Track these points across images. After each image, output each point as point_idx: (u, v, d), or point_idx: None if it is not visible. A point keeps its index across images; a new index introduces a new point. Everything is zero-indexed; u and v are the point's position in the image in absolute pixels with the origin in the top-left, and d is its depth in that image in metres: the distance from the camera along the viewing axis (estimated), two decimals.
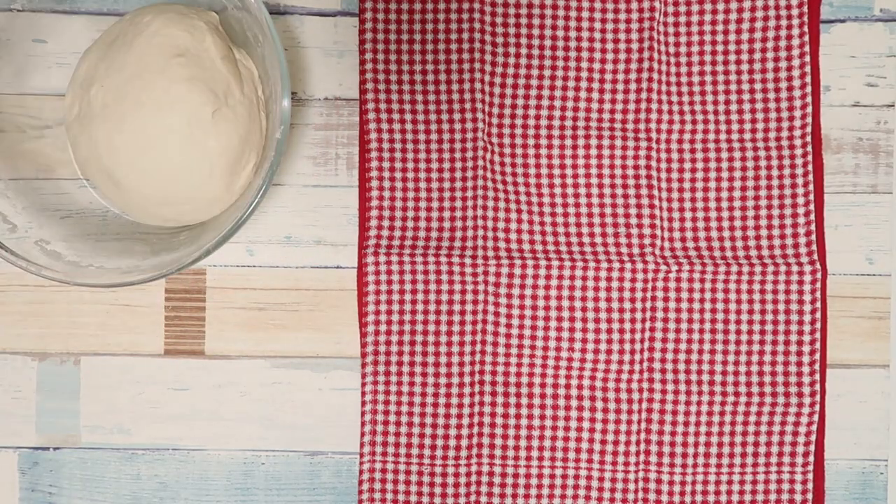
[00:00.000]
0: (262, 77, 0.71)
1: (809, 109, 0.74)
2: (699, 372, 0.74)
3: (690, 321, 0.74)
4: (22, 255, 0.67)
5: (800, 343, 0.74)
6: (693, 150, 0.75)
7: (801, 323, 0.74)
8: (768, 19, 0.74)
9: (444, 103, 0.74)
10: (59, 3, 0.73)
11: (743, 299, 0.74)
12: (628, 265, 0.74)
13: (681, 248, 0.74)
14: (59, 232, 0.71)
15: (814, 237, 0.74)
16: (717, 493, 0.74)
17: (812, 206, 0.74)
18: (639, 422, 0.74)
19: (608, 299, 0.74)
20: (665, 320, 0.74)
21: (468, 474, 0.74)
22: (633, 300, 0.74)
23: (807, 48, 0.74)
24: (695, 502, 0.74)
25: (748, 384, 0.74)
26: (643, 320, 0.74)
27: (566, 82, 0.75)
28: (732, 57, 0.74)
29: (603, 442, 0.74)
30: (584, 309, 0.74)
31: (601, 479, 0.74)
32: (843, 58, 0.75)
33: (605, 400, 0.74)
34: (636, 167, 0.74)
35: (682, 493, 0.74)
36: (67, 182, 0.73)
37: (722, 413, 0.74)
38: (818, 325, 0.74)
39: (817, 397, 0.74)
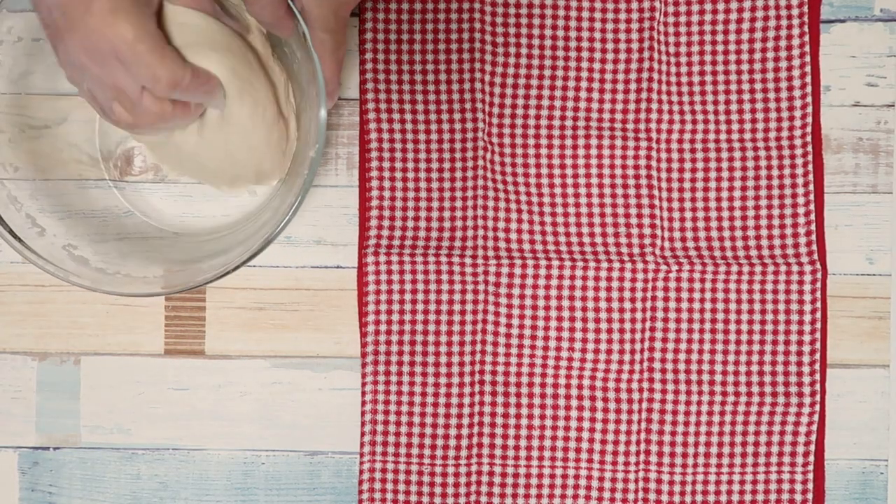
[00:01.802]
0: (293, 87, 0.70)
1: (809, 109, 0.74)
2: (699, 372, 0.74)
3: (690, 321, 0.74)
4: (50, 260, 0.67)
5: (800, 343, 0.74)
6: (693, 150, 0.75)
7: (801, 323, 0.74)
8: (768, 19, 0.74)
9: (444, 103, 0.74)
10: None
11: (743, 299, 0.74)
12: (628, 265, 0.74)
13: (681, 248, 0.74)
14: (85, 235, 0.71)
15: (814, 237, 0.74)
16: (717, 493, 0.74)
17: (812, 206, 0.74)
18: (639, 422, 0.74)
19: (608, 299, 0.74)
20: (665, 320, 0.74)
21: (468, 474, 0.74)
22: (633, 300, 0.74)
23: (807, 48, 0.74)
24: (695, 502, 0.74)
25: (748, 384, 0.74)
26: (643, 320, 0.74)
27: (566, 82, 0.75)
28: (732, 57, 0.74)
29: (603, 442, 0.74)
30: (584, 309, 0.74)
31: (601, 479, 0.74)
32: (843, 58, 0.75)
33: (605, 400, 0.74)
34: (636, 167, 0.74)
35: (682, 493, 0.74)
36: (95, 188, 0.74)
37: (722, 413, 0.74)
38: (818, 325, 0.74)
39: (817, 397, 0.74)
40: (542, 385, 0.74)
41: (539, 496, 0.74)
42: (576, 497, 0.74)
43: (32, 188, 0.71)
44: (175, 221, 0.75)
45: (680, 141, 0.75)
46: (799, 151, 0.74)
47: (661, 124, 0.75)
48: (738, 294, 0.74)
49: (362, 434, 0.74)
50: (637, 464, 0.74)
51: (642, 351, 0.74)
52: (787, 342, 0.74)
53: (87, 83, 0.62)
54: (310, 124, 0.67)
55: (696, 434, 0.74)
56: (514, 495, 0.74)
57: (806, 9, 0.74)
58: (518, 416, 0.74)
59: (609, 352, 0.74)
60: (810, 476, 0.73)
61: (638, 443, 0.74)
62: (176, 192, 0.75)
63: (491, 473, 0.74)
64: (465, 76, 0.74)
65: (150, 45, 0.59)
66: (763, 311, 0.74)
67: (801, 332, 0.74)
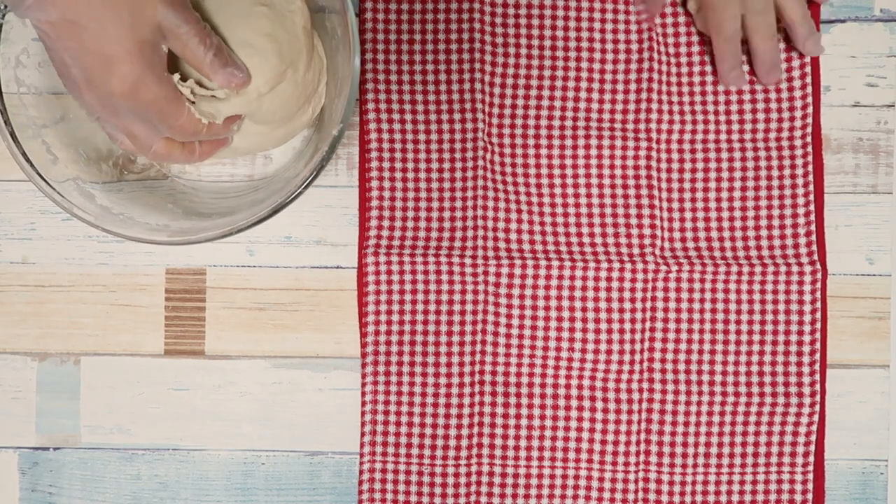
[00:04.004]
0: (328, 65, 0.71)
1: (810, 110, 0.74)
2: (699, 372, 0.74)
3: (690, 321, 0.74)
4: (58, 189, 0.68)
5: (800, 343, 0.74)
6: (693, 150, 0.75)
7: (801, 323, 0.74)
8: None
9: (444, 103, 0.74)
10: None
11: (743, 299, 0.74)
12: (628, 265, 0.74)
13: (681, 248, 0.74)
14: (96, 173, 0.72)
15: (814, 237, 0.74)
16: (717, 493, 0.74)
17: (812, 206, 0.74)
18: (639, 422, 0.74)
19: (608, 299, 0.74)
20: (665, 320, 0.74)
21: (468, 474, 0.74)
22: (633, 300, 0.74)
23: None
24: (695, 502, 0.74)
25: (748, 384, 0.74)
26: (643, 320, 0.74)
27: (566, 82, 0.75)
28: None
29: (603, 442, 0.74)
30: (584, 309, 0.74)
31: (601, 479, 0.74)
32: (843, 58, 0.75)
33: (605, 400, 0.74)
34: (636, 167, 0.74)
35: (682, 493, 0.74)
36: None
37: (722, 413, 0.74)
38: (818, 325, 0.74)
39: (817, 397, 0.74)
40: (542, 385, 0.74)
41: (539, 496, 0.74)
42: (576, 497, 0.74)
43: (51, 117, 0.71)
44: (190, 177, 0.75)
45: (680, 141, 0.75)
46: (799, 151, 0.74)
47: (661, 124, 0.75)
48: (738, 294, 0.74)
49: (362, 434, 0.74)
50: (637, 464, 0.74)
51: (642, 351, 0.74)
52: (787, 342, 0.74)
53: (102, 123, 0.65)
54: (336, 103, 0.68)
55: (696, 434, 0.74)
56: (514, 495, 0.74)
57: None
58: (518, 416, 0.74)
59: (609, 352, 0.74)
60: (810, 476, 0.73)
61: (638, 443, 0.74)
62: None
63: (491, 473, 0.74)
64: (465, 76, 0.74)
65: (169, 106, 0.62)
66: (763, 312, 0.74)
67: (801, 333, 0.74)
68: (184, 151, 0.66)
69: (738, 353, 0.74)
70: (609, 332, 0.74)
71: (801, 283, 0.74)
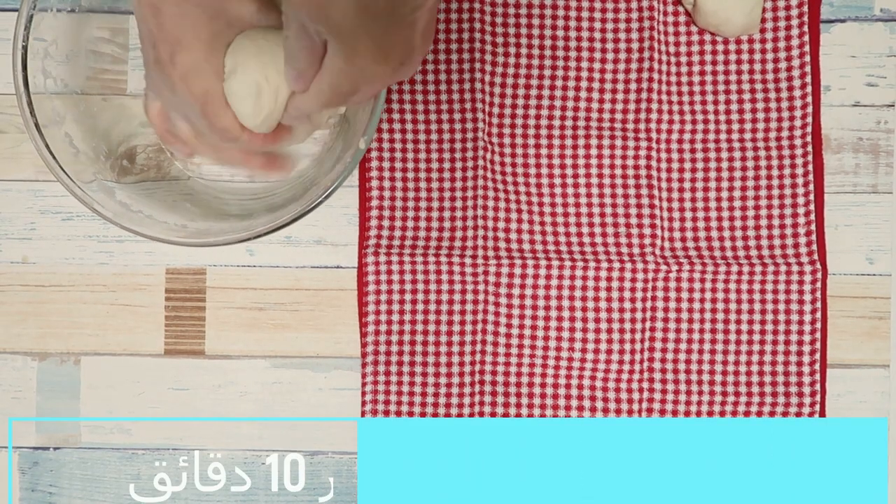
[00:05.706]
0: None
1: (810, 109, 0.74)
2: (699, 372, 0.74)
3: (690, 321, 0.74)
4: (78, 183, 0.67)
5: (800, 343, 0.74)
6: (693, 150, 0.75)
7: (801, 323, 0.74)
8: (767, 20, 0.74)
9: (445, 103, 0.74)
10: (61, 0, 0.73)
11: (743, 299, 0.74)
12: (628, 265, 0.74)
13: (681, 248, 0.74)
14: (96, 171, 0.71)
15: (814, 237, 0.74)
16: None
17: (812, 206, 0.74)
18: None
19: (608, 299, 0.74)
20: (665, 320, 0.74)
21: None
22: (633, 300, 0.74)
23: (807, 48, 0.74)
24: None
25: (748, 384, 0.74)
26: (643, 320, 0.74)
27: (566, 82, 0.75)
28: (733, 57, 0.74)
29: None
30: (584, 309, 0.74)
31: None
32: (843, 58, 0.75)
33: (605, 400, 0.74)
34: (636, 167, 0.74)
35: None
36: (139, 126, 0.74)
37: (722, 413, 0.74)
38: (818, 325, 0.74)
39: (817, 397, 0.74)
40: (542, 385, 0.74)
41: None
42: None
43: (77, 111, 0.71)
44: (207, 177, 0.75)
45: (680, 141, 0.75)
46: (799, 151, 0.74)
47: (661, 124, 0.75)
48: (738, 294, 0.74)
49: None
50: None
51: (642, 351, 0.74)
52: (787, 342, 0.74)
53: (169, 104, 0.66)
54: (359, 115, 0.67)
55: None
56: None
57: (806, 9, 0.74)
58: (518, 416, 0.74)
59: (609, 352, 0.74)
60: None
61: None
62: None
63: None
64: (465, 76, 0.74)
65: (213, 104, 0.63)
66: (763, 311, 0.74)
67: (801, 332, 0.74)
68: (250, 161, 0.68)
69: (738, 352, 0.74)
70: (609, 332, 0.74)
71: (801, 282, 0.74)
